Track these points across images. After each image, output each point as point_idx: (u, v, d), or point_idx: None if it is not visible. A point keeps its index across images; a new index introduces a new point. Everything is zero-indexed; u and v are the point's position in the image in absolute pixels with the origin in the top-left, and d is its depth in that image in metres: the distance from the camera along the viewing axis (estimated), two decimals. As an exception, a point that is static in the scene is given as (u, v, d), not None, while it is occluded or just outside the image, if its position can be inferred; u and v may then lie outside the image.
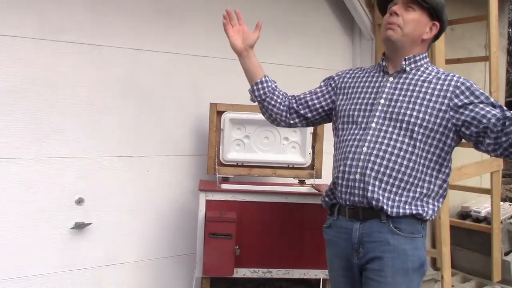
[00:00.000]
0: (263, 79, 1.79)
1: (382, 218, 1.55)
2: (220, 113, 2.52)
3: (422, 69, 1.60)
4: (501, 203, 3.49)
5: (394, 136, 1.54)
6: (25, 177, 2.26)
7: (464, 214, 3.67)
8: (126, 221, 2.53)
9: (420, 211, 1.55)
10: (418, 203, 1.55)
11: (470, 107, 1.49)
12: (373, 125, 1.58)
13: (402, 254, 1.53)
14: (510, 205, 3.90)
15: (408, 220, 1.55)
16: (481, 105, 1.48)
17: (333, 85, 1.78)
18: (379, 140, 1.56)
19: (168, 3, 2.57)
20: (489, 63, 3.21)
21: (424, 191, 1.56)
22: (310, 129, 2.58)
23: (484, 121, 1.45)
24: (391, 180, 1.54)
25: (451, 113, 1.51)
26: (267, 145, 2.59)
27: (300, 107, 1.79)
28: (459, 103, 1.50)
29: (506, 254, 3.42)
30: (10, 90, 2.20)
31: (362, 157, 1.56)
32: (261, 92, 1.78)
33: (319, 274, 2.28)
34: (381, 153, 1.54)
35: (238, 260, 2.17)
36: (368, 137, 1.57)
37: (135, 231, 2.56)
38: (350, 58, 3.17)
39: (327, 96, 1.78)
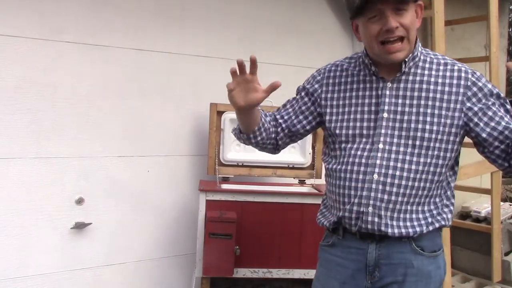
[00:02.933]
0: (260, 126, 1.45)
1: (403, 238, 1.37)
2: (220, 113, 2.52)
3: (420, 64, 1.37)
4: (501, 203, 3.49)
5: (408, 157, 1.33)
6: (25, 177, 2.26)
7: (464, 214, 3.67)
8: (126, 221, 2.53)
9: (443, 223, 1.41)
10: (439, 217, 1.40)
11: (484, 117, 1.33)
12: (381, 145, 1.34)
13: (425, 276, 1.38)
14: (510, 205, 3.89)
15: (430, 235, 1.40)
16: (495, 113, 1.33)
17: (315, 95, 1.50)
18: (391, 164, 1.33)
19: (168, 3, 2.57)
20: (489, 63, 3.21)
21: (444, 201, 1.43)
22: (310, 129, 2.58)
23: (500, 136, 1.32)
24: (409, 207, 1.35)
25: (465, 120, 1.34)
26: (267, 145, 2.59)
27: (286, 137, 1.55)
28: (473, 108, 1.33)
29: (506, 254, 3.41)
30: (10, 90, 2.20)
31: (373, 186, 1.34)
32: (257, 140, 1.49)
33: (319, 274, 2.28)
34: (396, 181, 1.33)
35: (238, 260, 2.16)
36: (378, 161, 1.34)
37: (135, 231, 2.56)
38: (350, 58, 3.16)
39: (310, 118, 1.51)
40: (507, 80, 5.66)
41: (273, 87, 1.31)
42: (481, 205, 3.60)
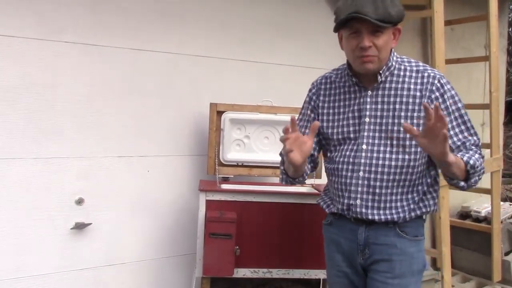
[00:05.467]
0: (307, 166, 1.67)
1: (389, 223, 1.58)
2: (220, 113, 2.52)
3: (396, 72, 1.57)
4: (501, 203, 3.49)
5: (388, 155, 1.54)
6: (25, 177, 2.26)
7: (464, 214, 3.67)
8: (126, 221, 2.53)
9: (424, 210, 1.59)
10: (421, 204, 1.59)
11: None
12: (364, 146, 1.57)
13: (409, 256, 1.57)
14: (510, 205, 3.90)
15: (413, 223, 1.60)
16: (451, 124, 1.52)
17: (316, 107, 1.71)
18: (373, 162, 1.55)
19: (168, 3, 2.57)
20: (489, 63, 3.22)
21: (425, 188, 1.60)
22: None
23: (449, 142, 1.46)
24: (393, 197, 1.56)
25: None
26: (267, 145, 2.59)
27: (313, 159, 1.75)
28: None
29: (506, 254, 3.42)
30: (10, 90, 2.20)
31: (360, 182, 1.57)
32: (305, 178, 1.72)
33: (319, 274, 2.28)
34: (378, 176, 1.55)
35: (238, 260, 2.17)
36: (362, 160, 1.56)
37: (135, 231, 2.56)
38: (350, 58, 3.16)
39: (316, 138, 1.70)
40: (507, 80, 5.66)
41: (314, 129, 1.47)
42: (481, 205, 3.60)
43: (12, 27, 2.19)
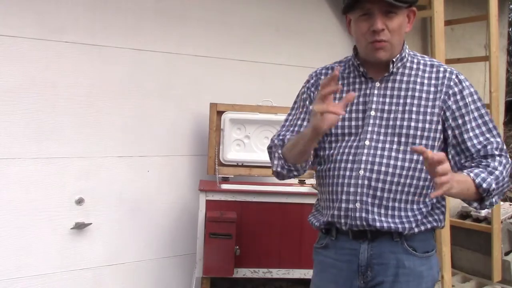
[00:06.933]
0: (310, 159, 1.44)
1: (395, 236, 1.37)
2: (220, 113, 2.52)
3: (408, 64, 1.41)
4: (501, 203, 3.49)
5: (394, 154, 1.35)
6: (25, 177, 2.26)
7: (464, 214, 3.67)
8: (126, 221, 2.53)
9: (434, 224, 1.40)
10: (430, 218, 1.40)
11: (454, 121, 1.37)
12: (367, 142, 1.37)
13: (417, 277, 1.38)
14: (510, 205, 3.89)
15: (422, 236, 1.40)
16: (464, 124, 1.36)
17: (308, 105, 1.52)
18: (377, 160, 1.35)
19: (168, 3, 2.57)
20: (489, 63, 3.22)
21: (433, 200, 1.41)
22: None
23: (468, 144, 1.35)
24: (396, 204, 1.36)
25: (442, 117, 1.38)
26: (267, 145, 2.59)
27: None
28: (451, 106, 1.37)
29: (506, 254, 3.41)
30: (10, 90, 2.20)
31: (360, 182, 1.35)
32: (305, 169, 1.48)
33: (319, 274, 2.28)
34: (381, 177, 1.34)
35: (238, 260, 2.16)
36: (364, 158, 1.35)
37: (135, 231, 2.56)
38: (350, 58, 3.16)
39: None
40: (507, 80, 5.66)
41: (349, 99, 1.25)
42: (481, 205, 3.59)
43: (12, 27, 2.19)
